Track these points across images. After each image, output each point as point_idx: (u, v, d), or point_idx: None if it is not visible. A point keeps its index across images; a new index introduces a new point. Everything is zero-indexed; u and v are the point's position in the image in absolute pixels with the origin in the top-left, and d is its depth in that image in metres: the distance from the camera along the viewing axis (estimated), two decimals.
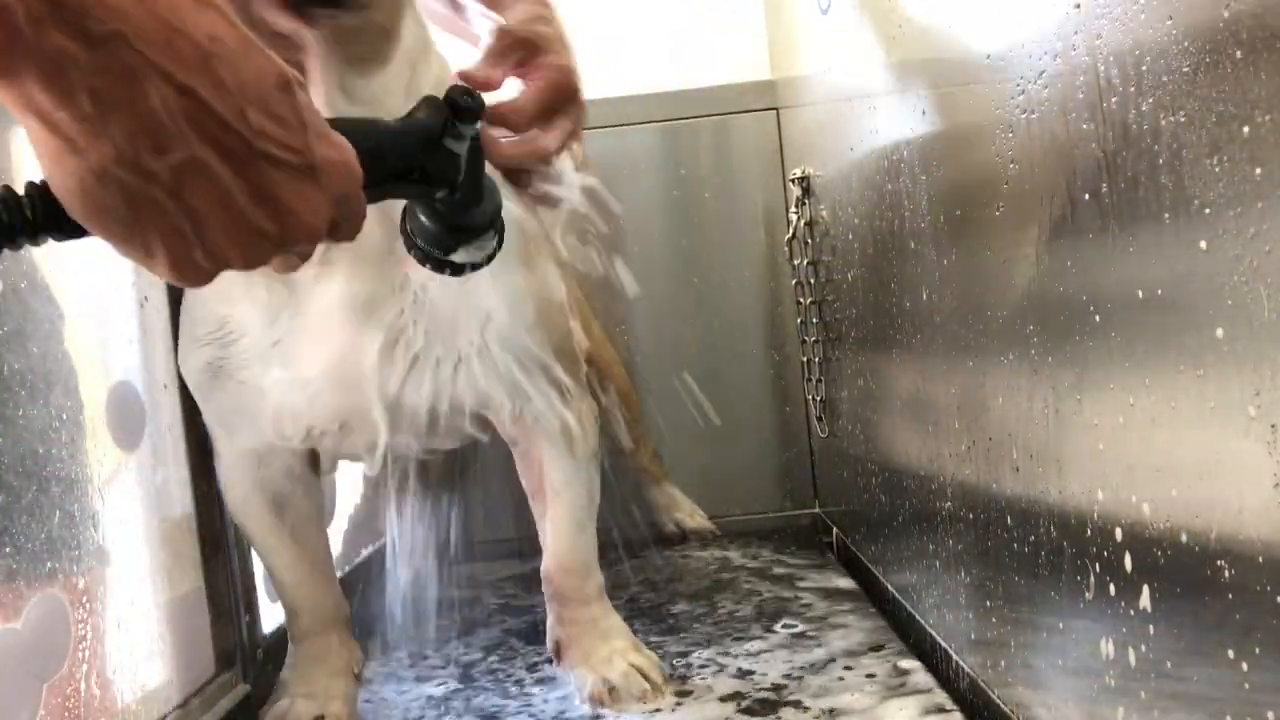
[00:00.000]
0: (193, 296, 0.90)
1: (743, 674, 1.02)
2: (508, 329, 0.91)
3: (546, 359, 0.94)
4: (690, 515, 1.64)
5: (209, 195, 0.49)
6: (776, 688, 0.98)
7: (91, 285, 0.86)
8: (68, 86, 0.44)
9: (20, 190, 0.48)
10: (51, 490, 0.76)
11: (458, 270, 0.70)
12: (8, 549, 0.70)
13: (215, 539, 1.01)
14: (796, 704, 0.93)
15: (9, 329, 0.73)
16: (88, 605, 0.79)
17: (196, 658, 0.97)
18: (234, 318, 0.87)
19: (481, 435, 1.03)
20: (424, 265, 0.70)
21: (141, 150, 0.46)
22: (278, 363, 0.88)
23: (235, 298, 0.87)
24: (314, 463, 1.01)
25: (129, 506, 0.87)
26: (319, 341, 0.87)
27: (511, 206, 0.91)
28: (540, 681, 1.06)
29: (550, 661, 1.06)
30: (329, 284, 0.85)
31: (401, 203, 0.70)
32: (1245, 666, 0.46)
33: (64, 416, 0.78)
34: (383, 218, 0.78)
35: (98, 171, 0.46)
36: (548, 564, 1.02)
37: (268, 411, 0.89)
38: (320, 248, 0.71)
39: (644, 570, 1.45)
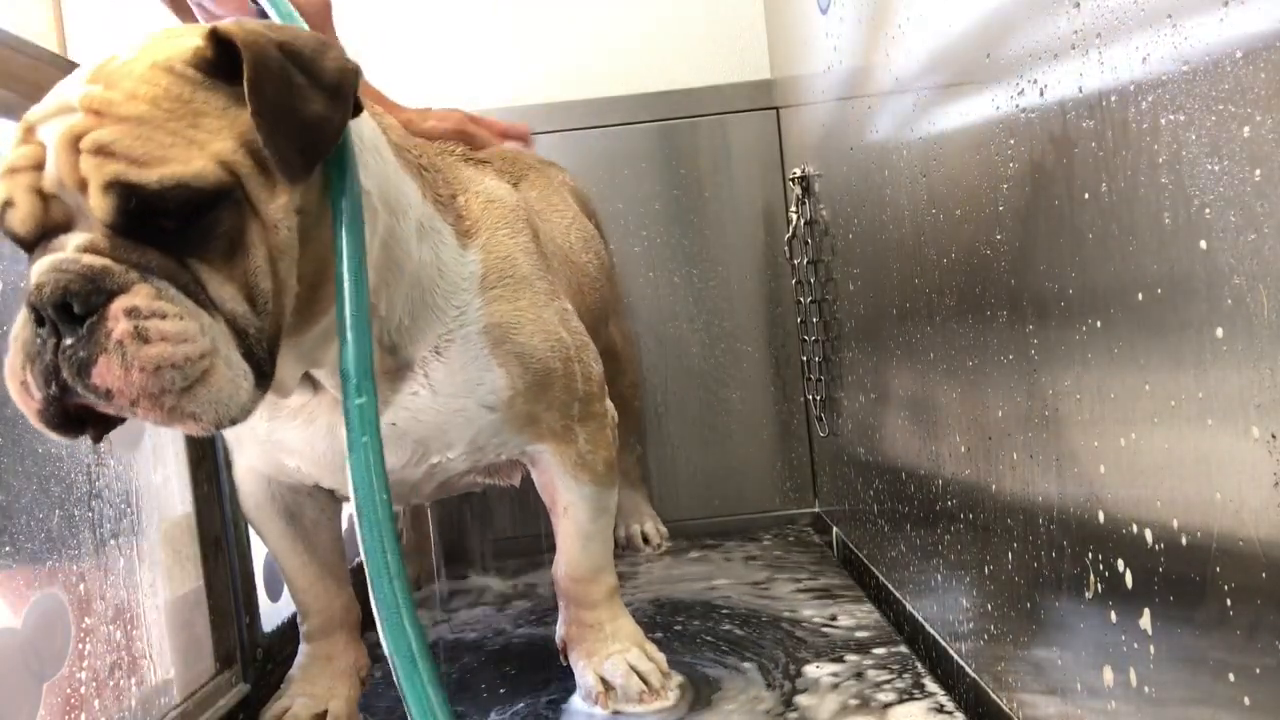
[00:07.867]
0: None
1: (741, 674, 1.02)
2: (502, 400, 0.90)
3: (541, 411, 0.94)
4: (647, 524, 1.62)
5: None
6: (775, 688, 0.98)
7: None
8: None
9: None
10: (51, 490, 0.76)
11: None
12: (8, 549, 0.70)
13: (215, 539, 1.01)
14: (796, 703, 0.93)
15: (9, 329, 0.72)
16: (88, 605, 0.79)
17: (196, 657, 0.97)
18: None
19: (505, 483, 1.04)
20: None
21: None
22: (274, 448, 0.89)
23: None
24: None
25: (129, 506, 0.87)
26: (309, 449, 0.88)
27: (515, 253, 0.92)
28: None
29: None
30: (310, 423, 0.86)
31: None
32: (1244, 661, 0.46)
33: None
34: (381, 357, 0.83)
35: None
36: (557, 568, 1.03)
37: (276, 460, 0.91)
38: (297, 397, 0.82)
39: (639, 570, 1.45)
